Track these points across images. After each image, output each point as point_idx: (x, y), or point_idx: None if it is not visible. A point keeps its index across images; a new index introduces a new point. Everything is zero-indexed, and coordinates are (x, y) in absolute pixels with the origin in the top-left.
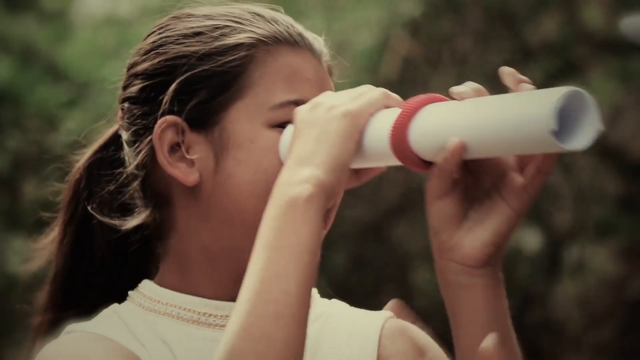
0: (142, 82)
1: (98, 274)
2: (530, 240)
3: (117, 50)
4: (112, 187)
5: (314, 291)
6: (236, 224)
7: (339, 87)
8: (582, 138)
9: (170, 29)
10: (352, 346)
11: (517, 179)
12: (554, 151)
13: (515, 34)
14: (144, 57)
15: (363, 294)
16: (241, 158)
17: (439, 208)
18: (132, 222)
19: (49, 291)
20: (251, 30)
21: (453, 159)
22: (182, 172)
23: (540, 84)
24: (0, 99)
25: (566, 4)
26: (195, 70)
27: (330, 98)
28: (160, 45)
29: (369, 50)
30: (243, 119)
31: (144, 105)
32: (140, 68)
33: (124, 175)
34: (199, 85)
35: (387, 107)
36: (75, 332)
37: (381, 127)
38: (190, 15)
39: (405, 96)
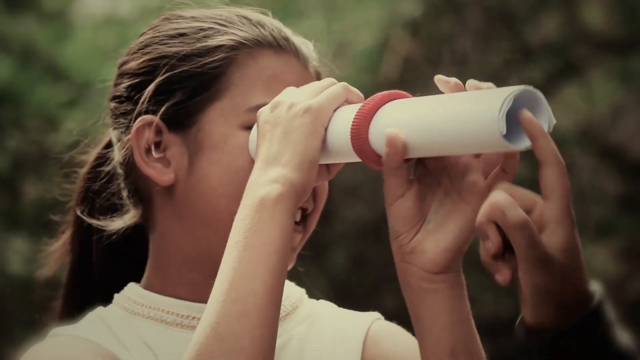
0: (128, 81)
1: (111, 275)
2: None
3: (117, 50)
4: (97, 187)
5: (302, 292)
6: (211, 224)
7: None
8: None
9: (158, 29)
10: (336, 348)
11: (479, 179)
12: (505, 151)
13: (515, 34)
14: (132, 56)
15: (363, 294)
16: (215, 159)
17: (398, 209)
18: (118, 223)
19: (64, 295)
20: (234, 33)
21: (394, 154)
22: (157, 172)
23: (541, 84)
24: (0, 99)
25: (566, 4)
26: (175, 71)
27: (290, 96)
28: (147, 45)
29: (369, 50)
30: (219, 120)
31: (127, 104)
32: (126, 67)
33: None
34: (178, 85)
35: (348, 101)
36: (61, 335)
37: (342, 124)
38: (179, 17)
39: None
